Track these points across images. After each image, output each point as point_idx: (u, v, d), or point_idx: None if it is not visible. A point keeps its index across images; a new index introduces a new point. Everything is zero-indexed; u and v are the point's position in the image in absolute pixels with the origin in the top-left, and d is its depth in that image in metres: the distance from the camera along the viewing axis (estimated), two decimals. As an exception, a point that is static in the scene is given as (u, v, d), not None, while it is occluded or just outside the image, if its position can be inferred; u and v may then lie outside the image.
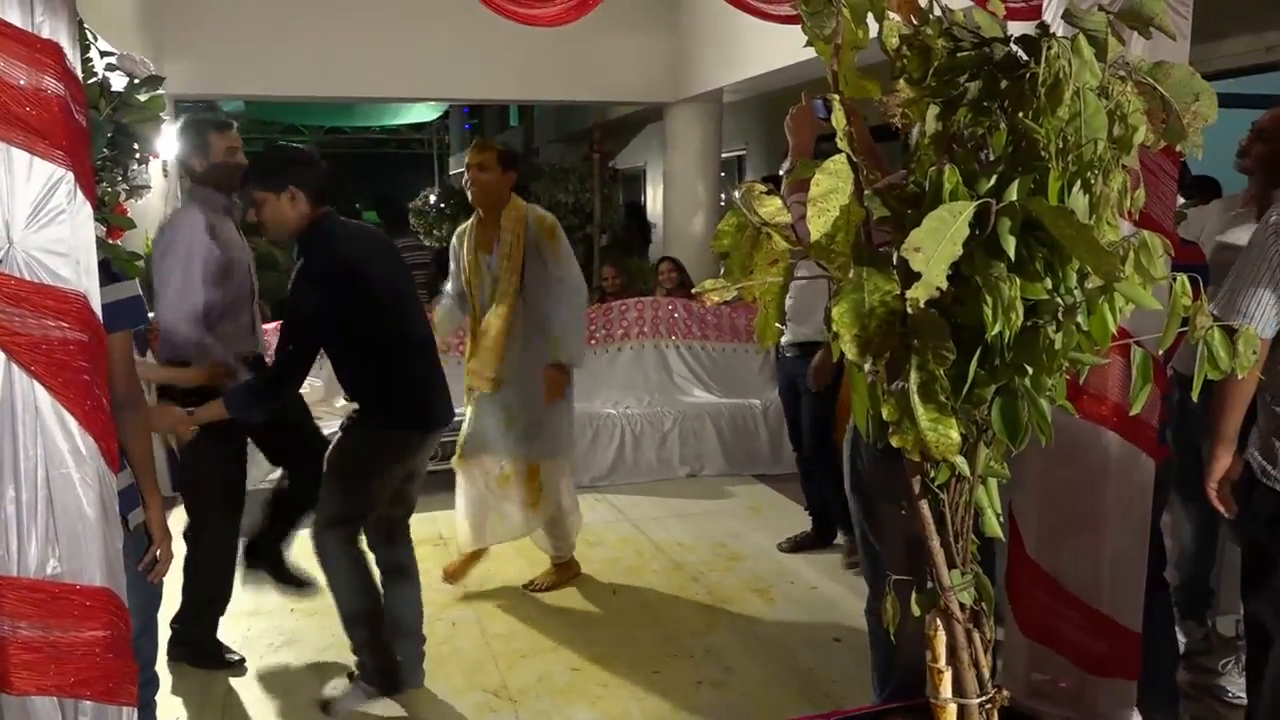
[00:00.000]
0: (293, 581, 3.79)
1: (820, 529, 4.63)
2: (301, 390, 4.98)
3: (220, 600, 3.54)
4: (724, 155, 8.91)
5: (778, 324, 4.74)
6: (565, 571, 4.32)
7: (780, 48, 6.18)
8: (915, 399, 1.35)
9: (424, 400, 3.23)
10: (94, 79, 1.97)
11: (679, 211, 8.36)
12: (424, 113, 15.01)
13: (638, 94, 8.13)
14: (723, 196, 8.68)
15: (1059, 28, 2.16)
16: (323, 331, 3.02)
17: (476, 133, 17.70)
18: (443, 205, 12.22)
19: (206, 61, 7.00)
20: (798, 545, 4.67)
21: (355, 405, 3.23)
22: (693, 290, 6.18)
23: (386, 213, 7.88)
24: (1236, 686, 3.19)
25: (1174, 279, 1.31)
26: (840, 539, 4.59)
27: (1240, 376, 1.47)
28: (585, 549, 4.63)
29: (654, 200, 13.42)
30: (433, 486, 4.75)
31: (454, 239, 4.23)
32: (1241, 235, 2.92)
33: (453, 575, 4.25)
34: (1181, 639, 3.32)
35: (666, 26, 7.74)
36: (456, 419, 3.87)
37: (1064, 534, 2.55)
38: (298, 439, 3.62)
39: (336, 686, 3.30)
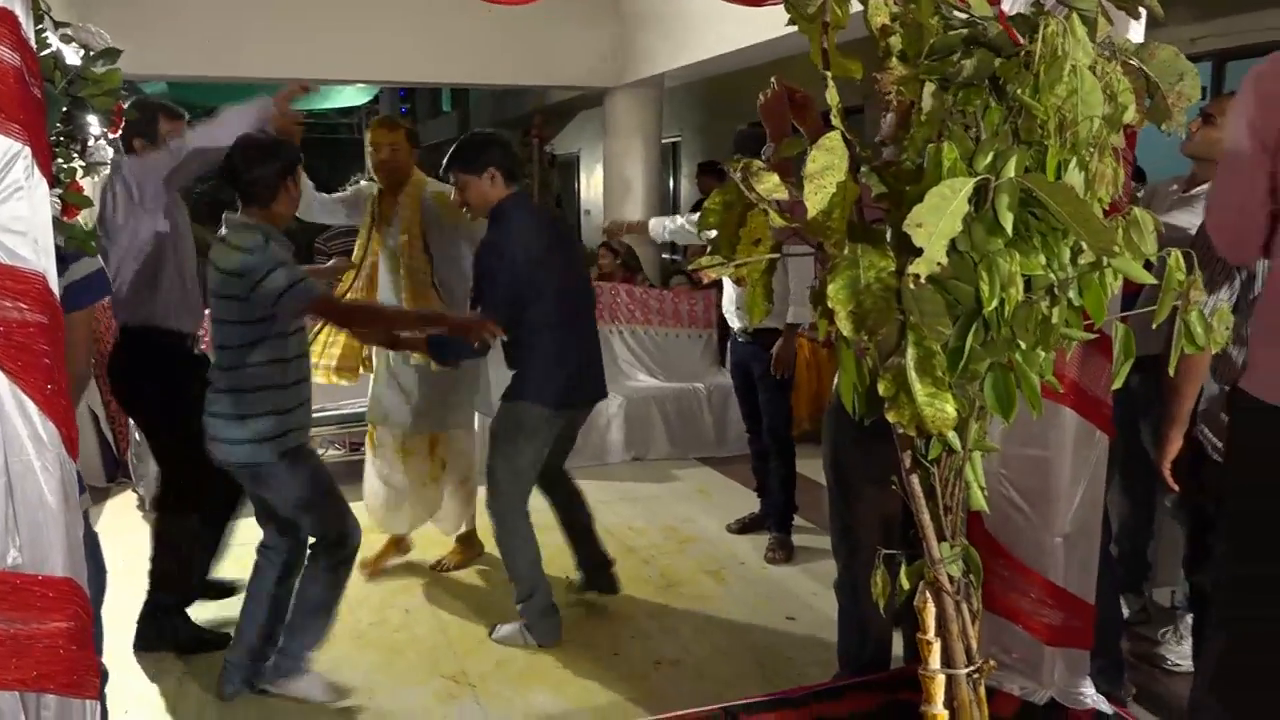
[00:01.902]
0: (220, 592, 3.80)
1: (773, 514, 4.57)
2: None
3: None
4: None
5: (730, 310, 4.75)
6: (470, 548, 4.31)
7: (723, 33, 6.18)
8: (912, 374, 1.36)
9: (568, 377, 3.44)
10: (48, 50, 1.88)
11: (618, 197, 8.33)
12: (353, 96, 14.69)
13: (579, 79, 8.04)
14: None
15: (1021, 8, 2.19)
16: (507, 297, 3.26)
17: (410, 117, 17.42)
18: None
19: (132, 42, 6.70)
20: (746, 526, 4.69)
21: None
22: (638, 274, 6.14)
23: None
24: (1175, 655, 3.29)
25: (1168, 254, 1.34)
26: (770, 534, 4.49)
27: (1214, 351, 1.50)
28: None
29: (587, 186, 13.37)
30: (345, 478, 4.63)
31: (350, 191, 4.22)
32: (1179, 218, 3.00)
33: (372, 567, 4.16)
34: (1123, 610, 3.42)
35: (608, 11, 7.67)
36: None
37: (1022, 509, 2.60)
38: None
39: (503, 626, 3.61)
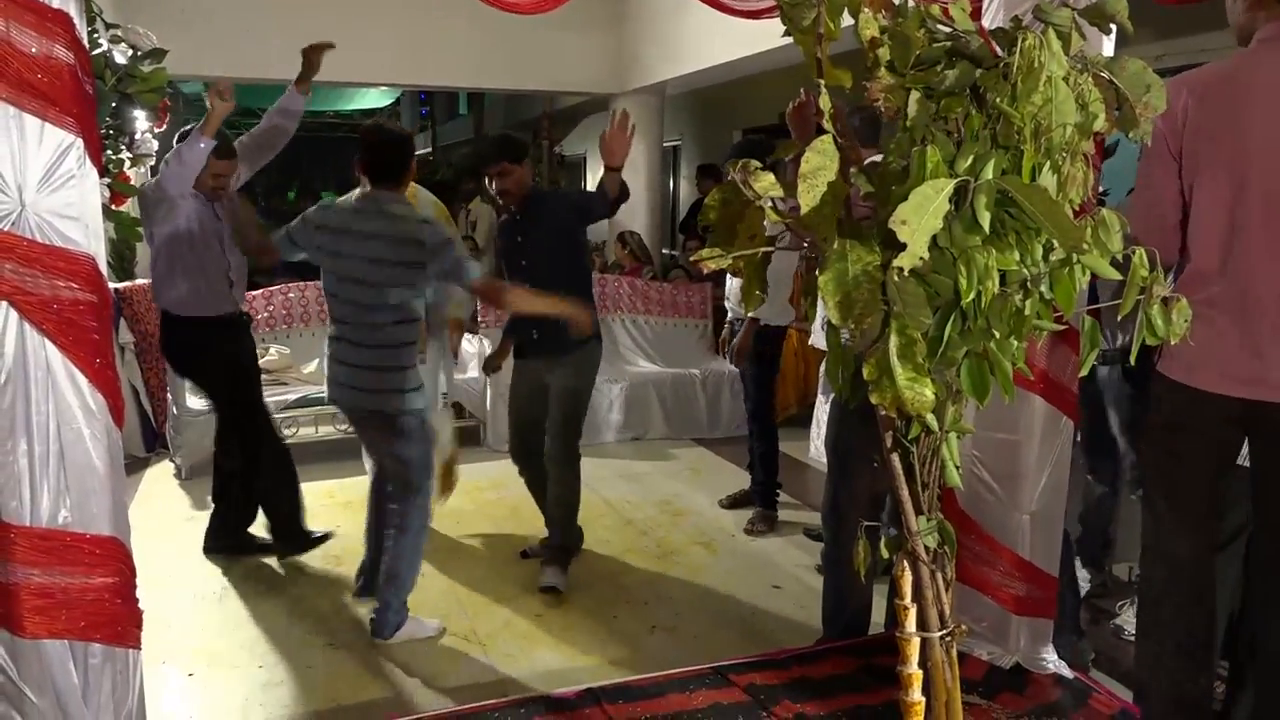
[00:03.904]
0: (313, 542, 3.93)
1: (756, 490, 4.56)
2: (265, 359, 4.84)
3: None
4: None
5: (727, 301, 4.74)
6: None
7: (719, 45, 6.17)
8: (894, 360, 1.37)
9: None
10: (99, 50, 1.88)
11: (622, 196, 8.32)
12: (377, 98, 14.65)
13: (585, 85, 8.03)
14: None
15: (1000, 23, 2.19)
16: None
17: (430, 119, 17.35)
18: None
19: (170, 44, 6.73)
20: (736, 502, 4.70)
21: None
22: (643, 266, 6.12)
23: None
24: (1132, 624, 3.30)
25: (1133, 253, 1.35)
26: (754, 509, 4.50)
27: (1173, 343, 1.51)
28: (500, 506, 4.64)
29: (593, 185, 13.34)
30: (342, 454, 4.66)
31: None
32: None
33: None
34: (1085, 583, 3.44)
35: (613, 22, 7.66)
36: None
37: (992, 488, 2.62)
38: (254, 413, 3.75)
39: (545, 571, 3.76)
